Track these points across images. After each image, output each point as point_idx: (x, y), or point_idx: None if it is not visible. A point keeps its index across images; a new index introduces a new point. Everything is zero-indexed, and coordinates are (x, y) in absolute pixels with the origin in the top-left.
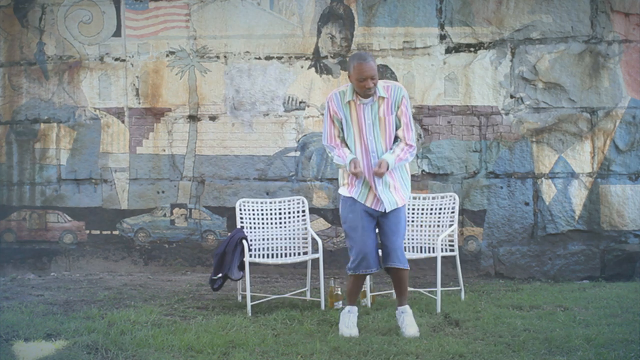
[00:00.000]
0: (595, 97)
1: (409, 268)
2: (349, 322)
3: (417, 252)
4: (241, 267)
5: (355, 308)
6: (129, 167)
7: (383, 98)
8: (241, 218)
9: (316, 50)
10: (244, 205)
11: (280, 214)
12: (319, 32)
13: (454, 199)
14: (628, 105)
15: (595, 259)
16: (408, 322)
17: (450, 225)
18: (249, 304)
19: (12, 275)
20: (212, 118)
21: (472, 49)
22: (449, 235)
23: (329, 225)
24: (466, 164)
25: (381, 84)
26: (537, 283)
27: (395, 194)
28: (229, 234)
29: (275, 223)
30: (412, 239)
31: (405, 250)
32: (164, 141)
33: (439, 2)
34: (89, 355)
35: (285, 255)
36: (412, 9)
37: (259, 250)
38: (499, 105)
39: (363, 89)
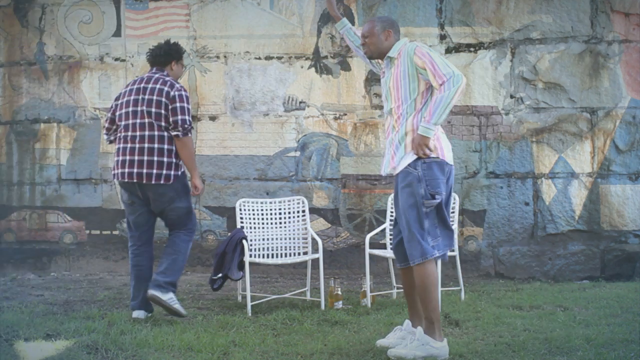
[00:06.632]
0: (595, 97)
1: (436, 256)
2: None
3: None
4: (241, 267)
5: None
6: None
7: (394, 59)
8: (241, 218)
9: (316, 50)
10: (244, 205)
11: (280, 214)
12: (319, 32)
13: (454, 199)
14: (628, 105)
15: (595, 259)
16: (404, 345)
17: None
18: (249, 304)
19: (12, 275)
20: (212, 118)
21: (472, 49)
22: None
23: (329, 225)
24: (466, 164)
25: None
26: (537, 283)
27: (392, 155)
28: (229, 234)
29: (275, 223)
30: None
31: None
32: None
33: (439, 2)
34: (89, 355)
35: (285, 255)
36: (412, 9)
37: (259, 250)
38: (499, 105)
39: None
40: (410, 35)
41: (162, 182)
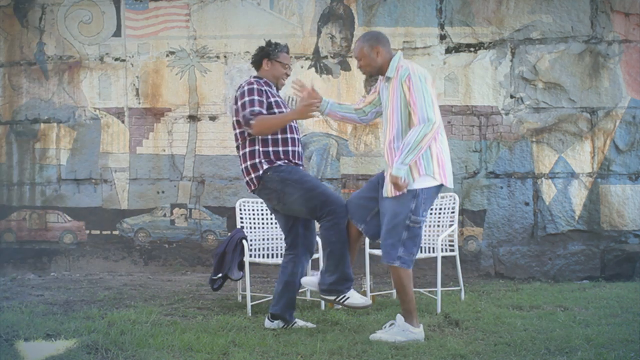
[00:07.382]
0: (595, 97)
1: (395, 265)
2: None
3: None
4: (241, 267)
5: None
6: (129, 167)
7: (391, 79)
8: (241, 218)
9: (316, 50)
10: (244, 205)
11: None
12: (319, 32)
13: (454, 199)
14: (628, 105)
15: (595, 259)
16: (385, 331)
17: (450, 225)
18: (249, 304)
19: (12, 275)
20: (212, 118)
21: (472, 49)
22: (449, 235)
23: None
24: (466, 164)
25: (401, 63)
26: (537, 283)
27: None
28: (229, 234)
29: (275, 223)
30: None
31: None
32: (164, 141)
33: (439, 2)
34: (89, 355)
35: None
36: (412, 9)
37: (259, 250)
38: (499, 105)
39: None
40: (410, 35)
41: (252, 188)
